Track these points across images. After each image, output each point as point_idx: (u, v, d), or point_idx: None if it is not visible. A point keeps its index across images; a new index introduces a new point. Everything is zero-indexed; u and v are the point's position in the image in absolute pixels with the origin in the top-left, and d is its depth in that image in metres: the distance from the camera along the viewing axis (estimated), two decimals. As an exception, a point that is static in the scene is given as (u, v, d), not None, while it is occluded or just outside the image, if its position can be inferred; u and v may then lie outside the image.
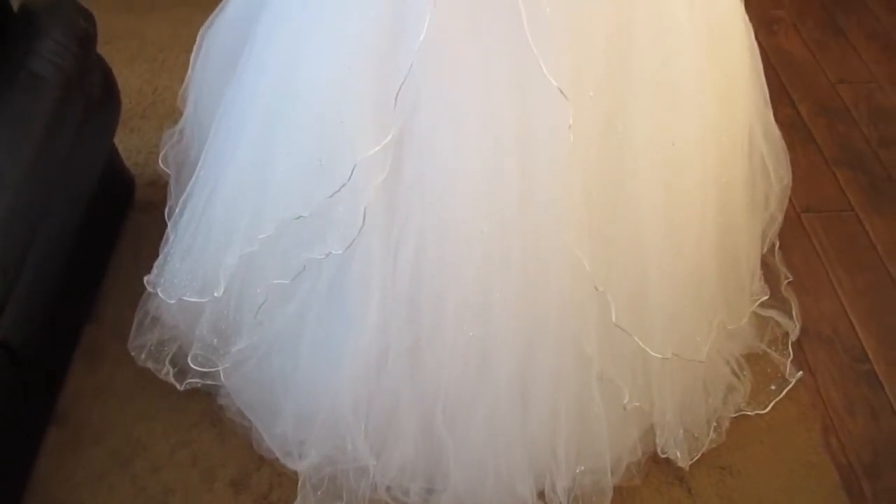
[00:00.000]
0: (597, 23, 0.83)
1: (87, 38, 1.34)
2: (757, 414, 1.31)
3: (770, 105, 1.22)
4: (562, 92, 0.79)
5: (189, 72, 1.30)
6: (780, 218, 1.36)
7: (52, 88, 1.20)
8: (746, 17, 1.06)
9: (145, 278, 1.17)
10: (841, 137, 1.87)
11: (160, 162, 1.38)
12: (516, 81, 0.83)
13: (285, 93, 0.91)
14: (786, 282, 1.48)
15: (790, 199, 1.67)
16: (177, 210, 1.13)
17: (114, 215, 1.58)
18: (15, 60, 1.22)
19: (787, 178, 1.30)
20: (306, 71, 0.89)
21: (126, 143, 1.79)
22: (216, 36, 1.20)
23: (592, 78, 0.84)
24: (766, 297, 1.38)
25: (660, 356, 1.00)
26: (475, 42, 0.82)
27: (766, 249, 1.41)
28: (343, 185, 0.85)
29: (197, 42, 1.26)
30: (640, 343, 0.98)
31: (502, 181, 0.86)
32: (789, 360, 1.38)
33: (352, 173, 0.84)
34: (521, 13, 0.78)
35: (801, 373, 1.37)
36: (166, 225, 1.33)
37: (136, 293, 1.34)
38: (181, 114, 1.40)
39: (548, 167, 0.86)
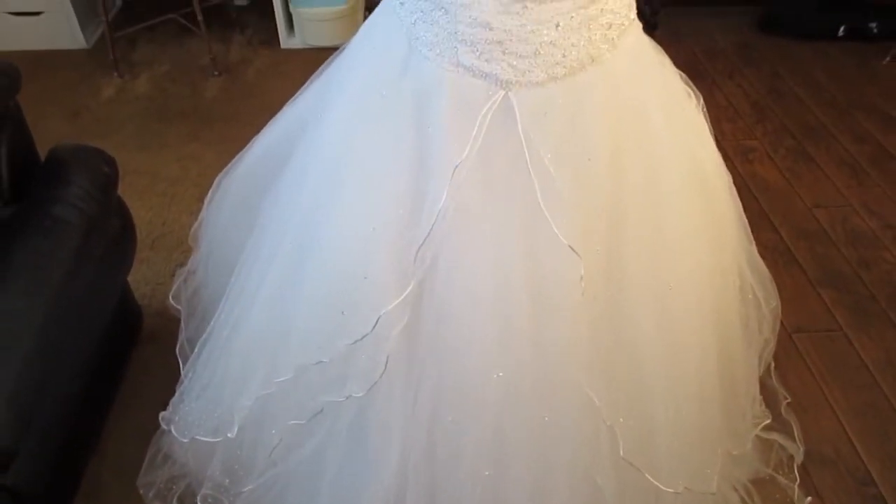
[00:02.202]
0: (598, 184, 0.92)
1: (109, 182, 1.42)
2: (770, 543, 1.30)
3: (752, 239, 1.29)
4: (573, 249, 0.86)
5: (202, 213, 1.37)
6: (773, 341, 1.41)
7: (74, 233, 1.26)
8: (724, 167, 1.17)
9: (161, 415, 1.18)
10: (822, 259, 1.96)
11: (171, 298, 1.42)
12: (528, 238, 0.90)
13: (309, 246, 0.97)
14: (784, 402, 1.50)
15: (782, 321, 1.74)
16: (195, 349, 1.16)
17: (122, 349, 1.60)
18: (41, 207, 1.29)
19: (776, 302, 1.36)
20: (330, 229, 0.96)
21: (134, 274, 1.84)
22: (233, 183, 1.27)
23: (596, 233, 0.92)
24: (768, 421, 1.40)
25: (671, 490, 1.01)
26: (490, 204, 0.91)
27: (762, 371, 1.44)
28: (365, 335, 0.90)
29: (213, 186, 1.33)
30: (649, 477, 1.00)
31: (515, 330, 0.92)
32: (796, 484, 1.38)
33: (375, 325, 0.89)
34: (533, 181, 0.87)
35: (809, 498, 1.37)
36: (173, 357, 1.36)
37: (141, 427, 1.34)
38: (190, 248, 1.46)
39: (558, 314, 0.92)
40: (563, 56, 0.88)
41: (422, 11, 0.90)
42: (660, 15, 2.93)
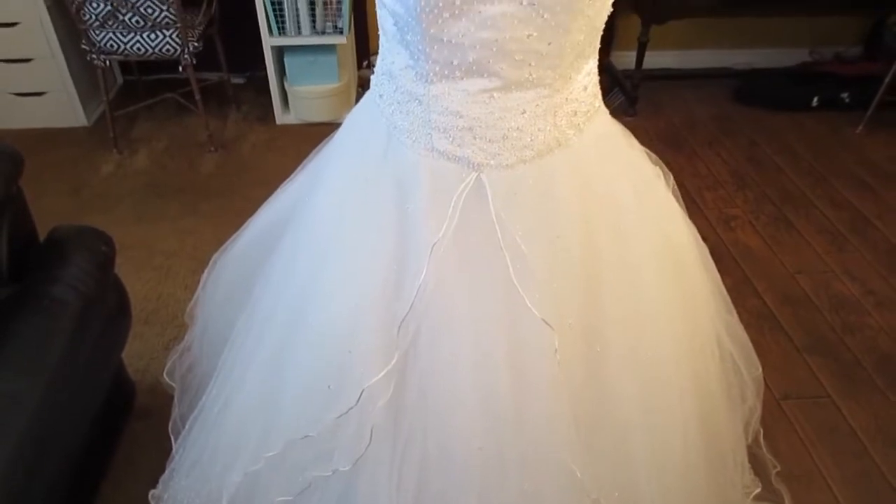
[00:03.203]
0: (570, 261, 0.97)
1: (106, 262, 1.46)
2: None
3: (733, 309, 1.33)
4: (546, 321, 0.90)
5: (198, 291, 1.40)
6: (759, 408, 1.43)
7: (71, 313, 1.29)
8: (700, 239, 1.21)
9: (150, 493, 1.19)
10: (807, 325, 1.99)
11: (165, 375, 1.44)
12: (506, 312, 0.94)
13: (298, 323, 1.01)
14: (774, 471, 1.51)
15: (769, 388, 1.76)
16: (186, 426, 1.17)
17: (115, 425, 1.60)
18: (39, 288, 1.32)
19: (758, 371, 1.38)
20: (317, 306, 0.99)
21: (128, 349, 1.83)
22: (228, 262, 1.31)
23: (571, 307, 0.96)
24: (759, 490, 1.41)
25: (660, 564, 1.02)
26: (467, 280, 0.95)
27: (750, 440, 1.45)
28: (351, 408, 0.93)
29: (209, 265, 1.38)
30: None
31: (496, 401, 0.95)
32: (791, 556, 1.38)
33: (359, 398, 0.92)
34: (505, 256, 0.91)
35: (803, 570, 1.35)
36: (165, 434, 1.37)
37: (131, 505, 1.34)
38: (185, 324, 1.48)
39: (538, 387, 0.95)
40: (531, 140, 0.94)
41: (398, 103, 0.97)
42: (640, 89, 3.07)
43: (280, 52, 2.90)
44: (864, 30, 3.44)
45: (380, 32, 0.99)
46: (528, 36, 0.86)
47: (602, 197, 0.99)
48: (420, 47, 0.88)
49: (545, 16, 0.84)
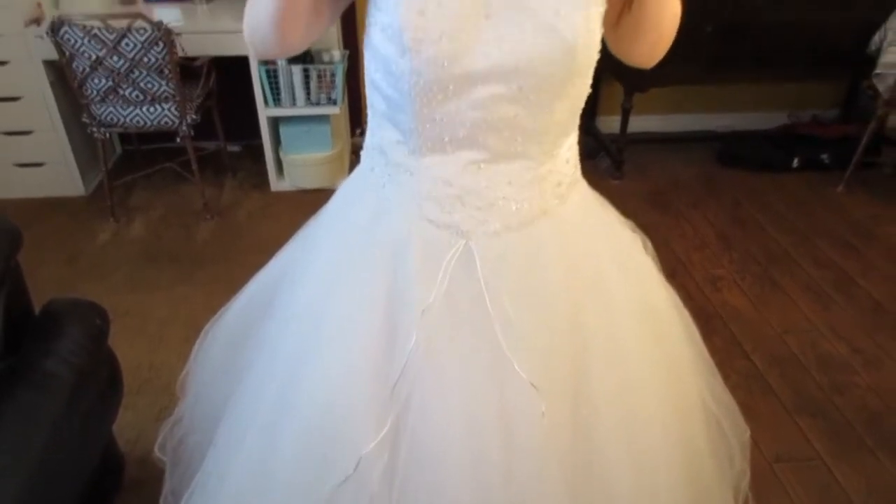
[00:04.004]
0: (556, 325, 1.00)
1: (100, 335, 1.48)
2: None
3: (717, 372, 1.34)
4: (533, 385, 0.92)
5: (189, 363, 1.41)
6: (748, 471, 1.43)
7: (64, 387, 1.30)
8: (680, 304, 1.25)
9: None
10: (796, 385, 2.00)
11: (156, 450, 1.43)
12: (494, 375, 0.97)
13: (290, 393, 1.02)
14: (767, 538, 1.50)
15: (761, 451, 1.76)
16: (181, 503, 1.17)
17: (104, 499, 1.59)
18: (32, 361, 1.33)
19: (745, 436, 1.39)
20: (310, 374, 1.01)
21: (119, 420, 1.83)
22: (219, 332, 1.33)
23: (558, 372, 0.99)
24: (752, 556, 1.39)
25: None
26: (457, 344, 0.98)
27: (741, 504, 1.45)
28: (348, 477, 0.94)
29: (200, 337, 1.39)
30: None
31: (486, 463, 0.96)
32: None
33: (357, 465, 0.93)
34: (493, 319, 0.95)
35: None
36: (155, 508, 1.36)
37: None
38: (177, 396, 1.49)
39: (526, 450, 0.96)
40: (517, 208, 0.99)
41: (389, 175, 1.01)
42: (625, 152, 3.15)
43: (275, 122, 2.99)
44: (840, 93, 3.58)
45: (368, 110, 1.04)
46: (516, 115, 0.91)
47: (586, 262, 1.03)
48: (412, 125, 0.93)
49: (531, 97, 0.90)
